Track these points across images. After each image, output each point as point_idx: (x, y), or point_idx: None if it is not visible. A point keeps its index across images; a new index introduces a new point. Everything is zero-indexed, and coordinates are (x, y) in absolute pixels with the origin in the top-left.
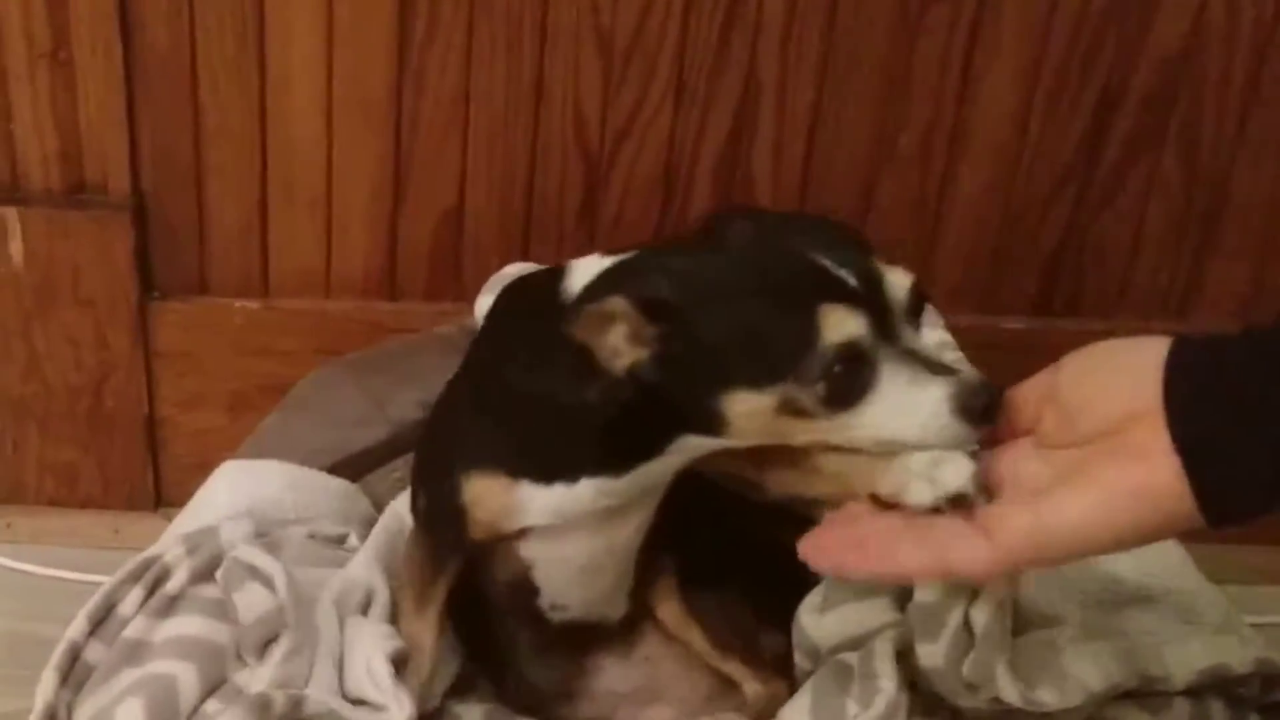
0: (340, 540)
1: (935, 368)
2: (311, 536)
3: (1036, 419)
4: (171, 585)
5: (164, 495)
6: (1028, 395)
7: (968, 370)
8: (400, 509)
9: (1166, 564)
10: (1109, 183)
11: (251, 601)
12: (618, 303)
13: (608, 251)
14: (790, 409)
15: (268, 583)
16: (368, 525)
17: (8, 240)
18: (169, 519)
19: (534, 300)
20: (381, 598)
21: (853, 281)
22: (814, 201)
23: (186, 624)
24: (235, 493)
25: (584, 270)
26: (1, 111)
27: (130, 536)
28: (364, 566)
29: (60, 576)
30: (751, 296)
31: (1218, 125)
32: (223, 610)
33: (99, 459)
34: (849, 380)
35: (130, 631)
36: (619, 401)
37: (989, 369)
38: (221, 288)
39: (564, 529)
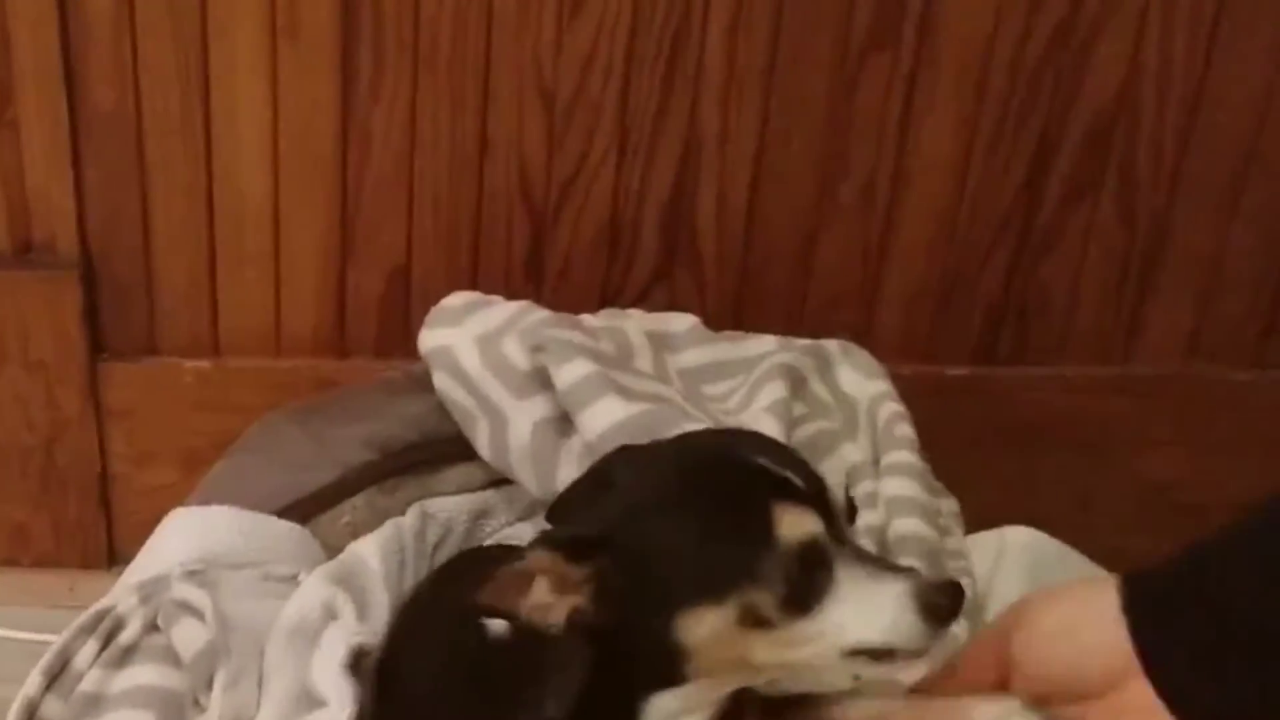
0: (292, 579)
1: (891, 567)
2: (264, 579)
3: (999, 680)
4: (126, 636)
5: (118, 552)
6: (980, 654)
7: (923, 569)
8: (360, 549)
9: None
10: (1049, 229)
11: (188, 638)
12: (534, 555)
13: None
14: (751, 618)
15: (201, 617)
16: (318, 566)
17: None
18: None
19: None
20: (347, 608)
21: (799, 481)
22: (758, 251)
23: (142, 673)
24: (186, 540)
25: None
26: None
27: (85, 594)
28: (316, 586)
29: (14, 637)
30: (693, 502)
31: (1154, 170)
32: (176, 656)
33: (52, 517)
34: (808, 581)
35: (86, 685)
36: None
37: (934, 417)
38: (171, 347)
39: None
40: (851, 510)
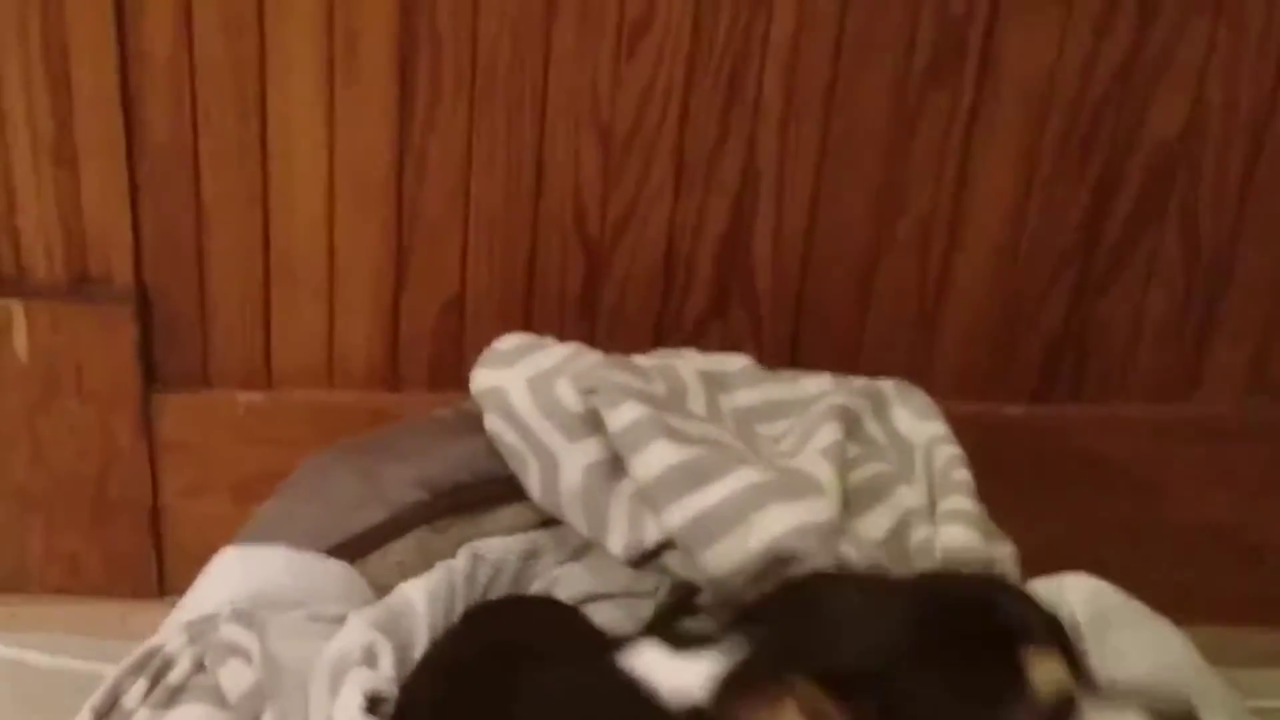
0: (340, 620)
1: (1132, 704)
2: (312, 619)
3: None
4: (174, 676)
5: (169, 583)
6: None
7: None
8: (409, 592)
9: (1168, 650)
10: (1109, 266)
11: (235, 679)
12: (794, 681)
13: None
14: None
15: (247, 658)
16: (367, 606)
17: (12, 333)
18: (175, 605)
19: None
20: (385, 654)
21: (1046, 629)
22: (814, 287)
23: (189, 713)
24: (235, 579)
25: (678, 670)
26: (6, 205)
27: (136, 624)
28: (357, 630)
29: (66, 667)
30: (947, 653)
31: (1217, 208)
32: (223, 697)
33: (103, 548)
34: None
35: None
36: None
37: (991, 455)
38: (224, 379)
39: None
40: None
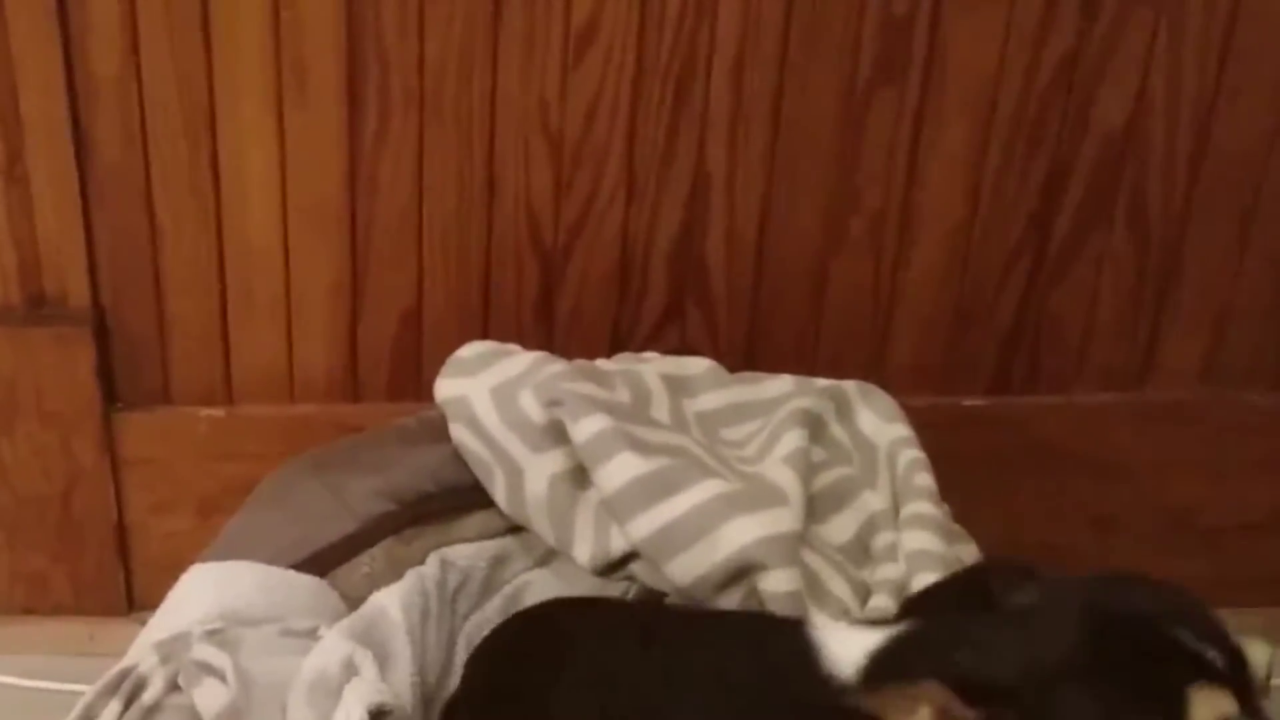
0: (311, 633)
1: None
2: (284, 634)
3: None
4: (148, 696)
5: (136, 599)
6: None
7: None
8: (382, 600)
9: None
10: (1061, 258)
11: (210, 698)
12: (928, 685)
13: (864, 621)
14: None
15: (222, 677)
16: (338, 619)
17: None
18: (143, 622)
19: (775, 672)
20: (367, 664)
21: (1219, 659)
22: (768, 288)
23: None
24: (205, 596)
25: (845, 641)
26: None
27: (105, 641)
28: (335, 641)
29: (36, 686)
30: (1104, 675)
31: (1165, 198)
32: (199, 717)
33: (70, 566)
34: None
35: None
36: None
37: (950, 447)
38: (185, 396)
39: None
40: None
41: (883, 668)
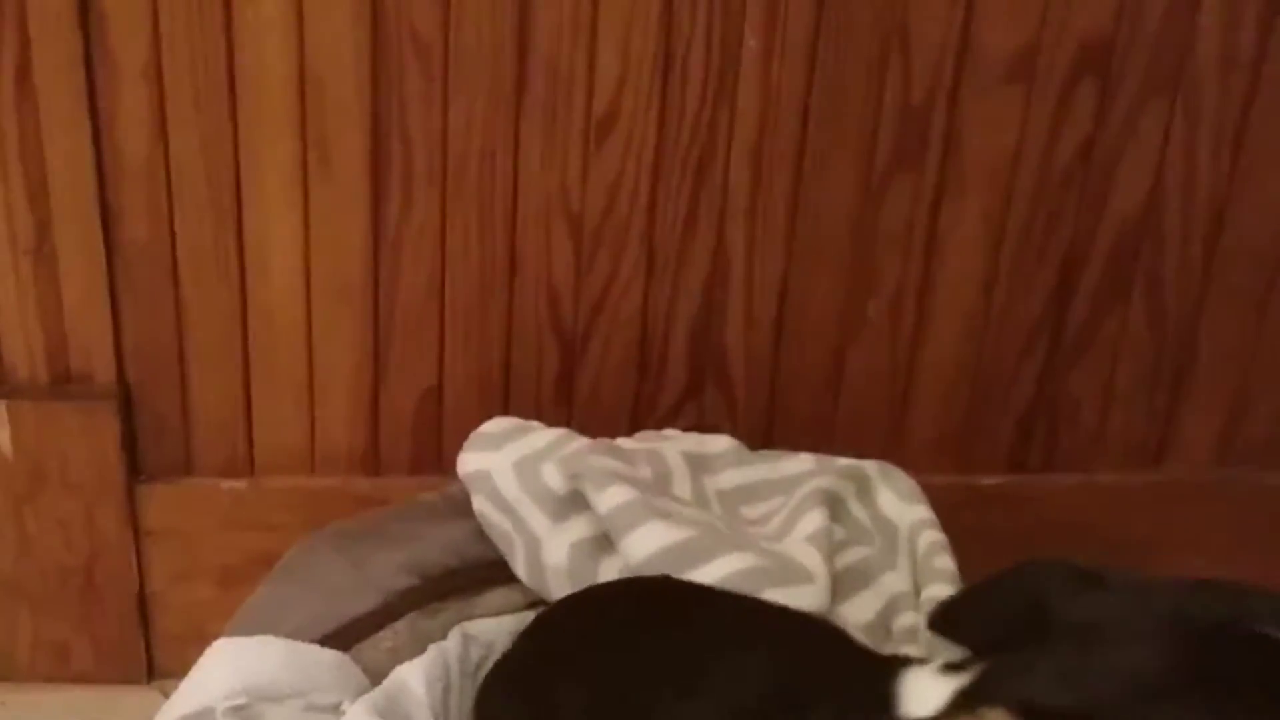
0: (335, 708)
1: None
2: (308, 709)
3: None
4: None
5: (157, 668)
6: None
7: None
8: (405, 675)
9: None
10: (1078, 339)
11: None
12: (993, 714)
13: (945, 667)
14: None
15: None
16: (361, 694)
17: None
18: (163, 690)
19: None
20: None
21: None
22: (787, 368)
23: None
24: (229, 671)
25: (919, 684)
26: None
27: (124, 710)
28: (358, 716)
29: None
30: (1208, 693)
31: (1181, 281)
32: None
33: (91, 635)
34: None
35: None
36: None
37: (967, 525)
38: (208, 468)
39: None
40: None
41: (956, 703)
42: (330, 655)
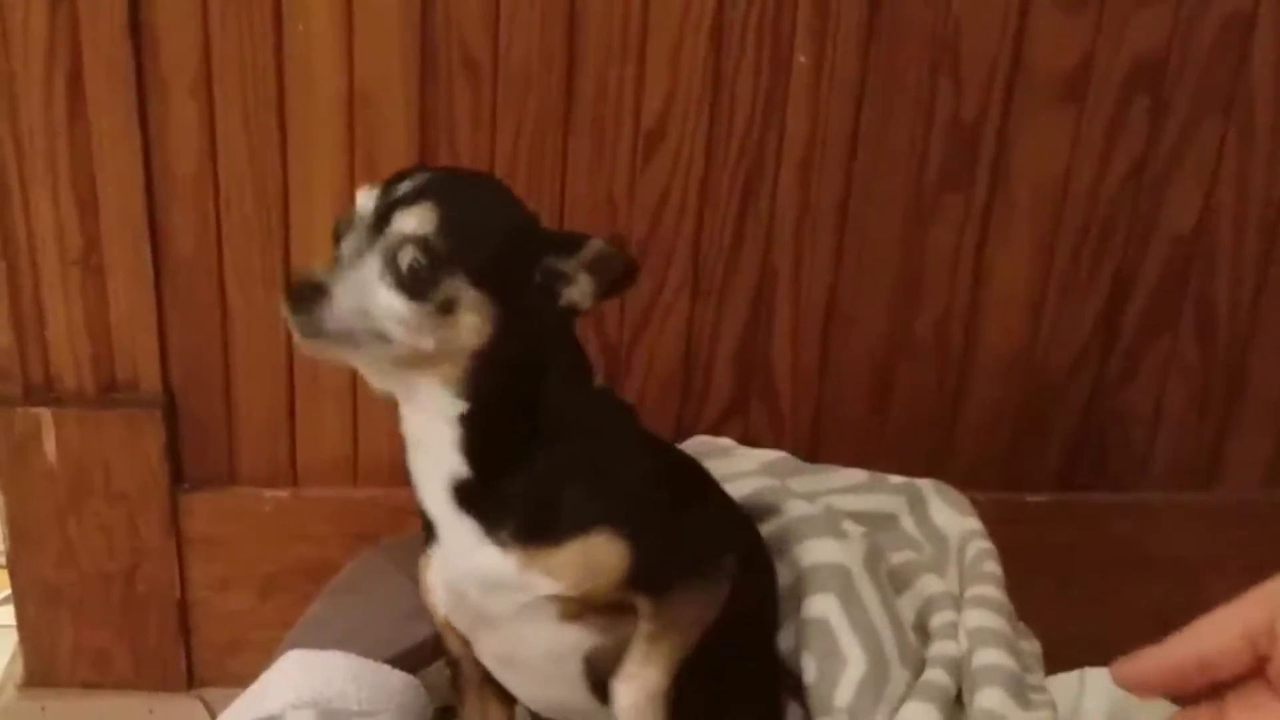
0: None
1: None
2: None
3: (1252, 661)
4: None
5: (196, 675)
6: (1223, 638)
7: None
8: None
9: None
10: (1126, 363)
11: None
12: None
13: None
14: None
15: None
16: (425, 718)
17: (42, 439)
18: (202, 698)
19: None
20: None
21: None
22: (833, 385)
23: None
24: (299, 680)
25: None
26: (35, 317)
27: (164, 717)
28: None
29: None
30: None
31: (1233, 301)
32: None
33: (132, 642)
34: None
35: None
36: None
37: (1014, 543)
38: (250, 478)
39: None
40: None
41: None
42: (400, 677)
